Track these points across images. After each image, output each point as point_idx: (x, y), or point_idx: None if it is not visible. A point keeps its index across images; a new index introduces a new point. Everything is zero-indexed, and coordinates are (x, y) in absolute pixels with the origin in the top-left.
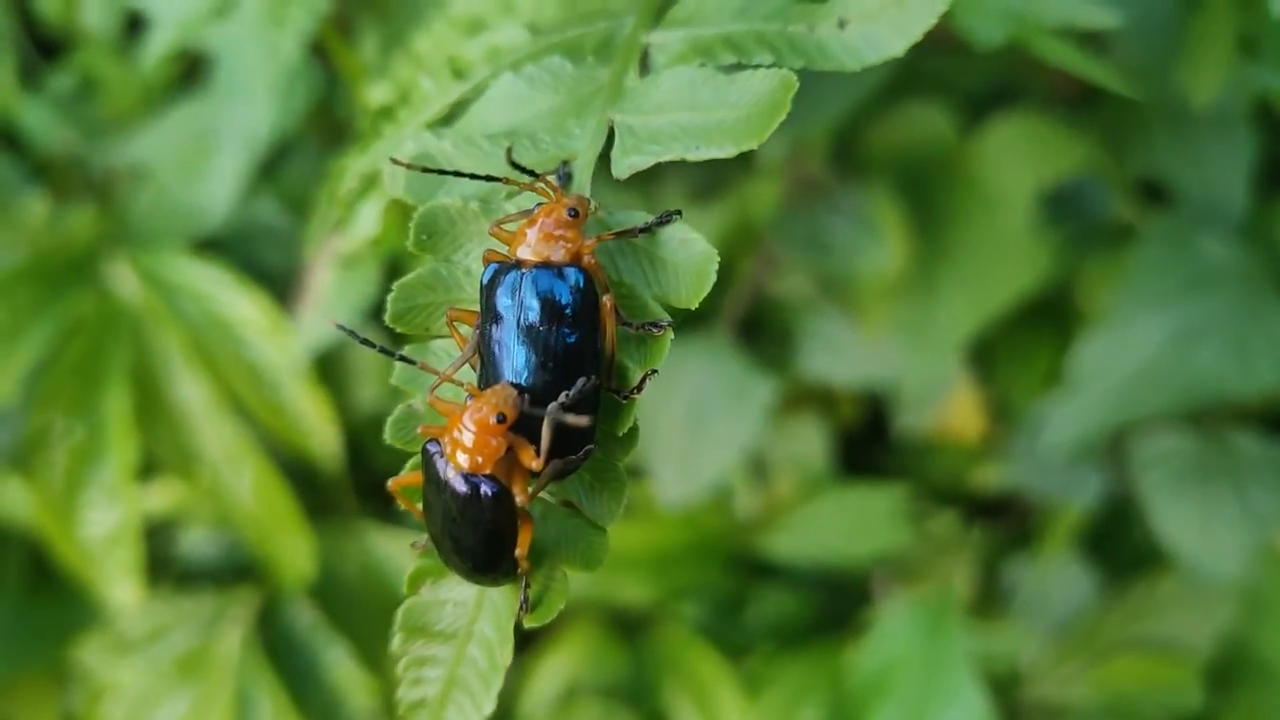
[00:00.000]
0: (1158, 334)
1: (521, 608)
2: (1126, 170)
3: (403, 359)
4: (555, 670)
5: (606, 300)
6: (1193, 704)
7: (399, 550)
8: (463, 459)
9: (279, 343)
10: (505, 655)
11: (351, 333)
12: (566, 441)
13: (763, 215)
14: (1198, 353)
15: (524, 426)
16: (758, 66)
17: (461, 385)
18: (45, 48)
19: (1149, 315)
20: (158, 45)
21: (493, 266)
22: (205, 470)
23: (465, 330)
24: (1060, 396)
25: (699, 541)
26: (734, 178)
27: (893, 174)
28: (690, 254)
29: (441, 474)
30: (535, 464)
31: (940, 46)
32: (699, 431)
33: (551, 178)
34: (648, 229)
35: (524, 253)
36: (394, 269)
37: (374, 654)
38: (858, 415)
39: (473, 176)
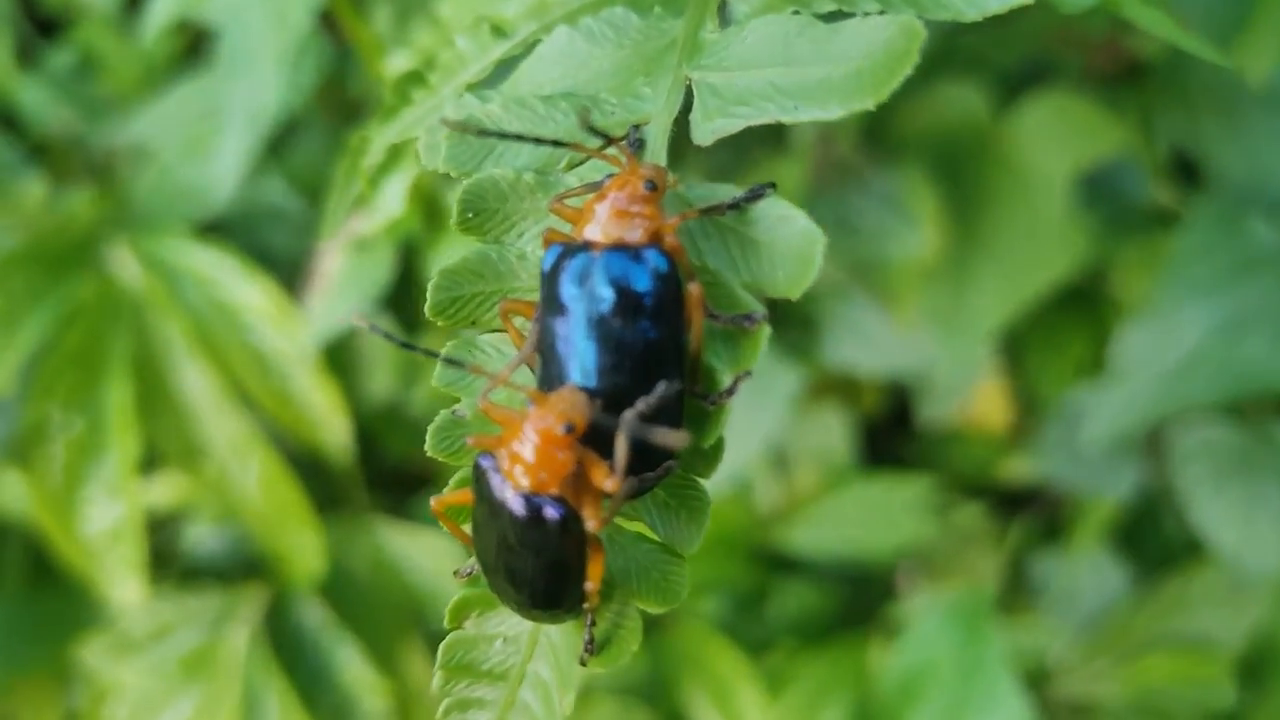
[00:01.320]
0: (1203, 322)
1: (586, 648)
2: (1160, 151)
3: (448, 360)
4: None
5: (693, 289)
6: (1225, 701)
7: (412, 545)
8: (523, 476)
9: (287, 330)
10: (566, 703)
11: (388, 335)
12: (641, 456)
13: (790, 197)
14: (1245, 342)
15: (595, 438)
16: (864, 14)
17: (520, 389)
18: (44, 26)
19: (1193, 303)
20: (158, 17)
21: (556, 249)
22: (210, 463)
23: (522, 324)
24: (1099, 387)
25: (718, 535)
26: (759, 158)
27: (925, 155)
28: (790, 234)
29: (498, 494)
30: (610, 484)
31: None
32: None
33: (623, 145)
34: (737, 205)
35: (593, 232)
36: (409, 253)
37: (387, 654)
38: (881, 405)
39: (523, 139)
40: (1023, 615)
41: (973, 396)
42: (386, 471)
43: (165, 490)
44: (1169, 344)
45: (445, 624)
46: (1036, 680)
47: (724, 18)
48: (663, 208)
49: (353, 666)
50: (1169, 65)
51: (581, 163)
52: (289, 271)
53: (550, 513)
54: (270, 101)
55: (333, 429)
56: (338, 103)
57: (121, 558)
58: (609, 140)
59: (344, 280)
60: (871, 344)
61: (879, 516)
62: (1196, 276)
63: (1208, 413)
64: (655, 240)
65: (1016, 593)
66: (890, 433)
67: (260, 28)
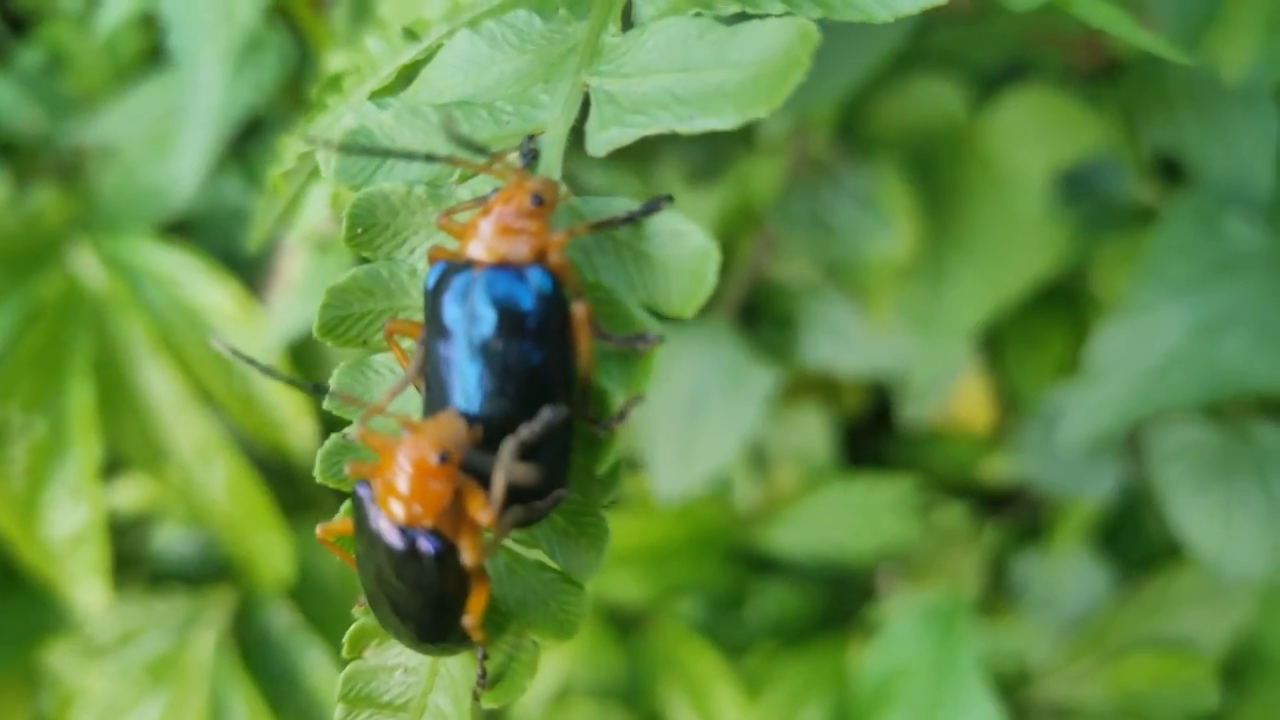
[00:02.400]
0: (1181, 322)
1: (479, 683)
2: (1142, 149)
3: (323, 391)
4: (549, 669)
5: (579, 308)
6: (1208, 703)
7: None
8: (397, 508)
9: (250, 331)
10: None
11: (256, 363)
12: (529, 486)
13: (764, 195)
14: (1224, 342)
15: (477, 464)
16: (766, 16)
17: (395, 416)
18: (16, 24)
19: (1171, 302)
20: (114, 11)
21: (439, 266)
22: (175, 466)
23: (410, 345)
24: (1077, 387)
25: (697, 535)
26: (734, 156)
27: (900, 152)
28: (683, 250)
29: (373, 525)
30: (484, 516)
31: (951, 18)
32: (697, 421)
33: (513, 157)
34: (631, 219)
35: (476, 250)
36: None
37: None
38: (861, 405)
39: (409, 156)
40: (1004, 617)
41: (954, 396)
42: None
43: (132, 494)
44: (1146, 344)
45: (344, 654)
46: (1017, 682)
47: (629, 20)
48: (551, 223)
49: (320, 670)
50: (1147, 63)
51: (475, 176)
52: (252, 272)
53: (425, 546)
54: (218, 98)
55: (297, 431)
56: (301, 101)
57: (85, 561)
58: (490, 155)
59: (305, 280)
60: (849, 343)
61: (859, 517)
62: (1174, 275)
63: (1187, 413)
64: (540, 257)
65: (997, 594)
66: (871, 433)
67: (207, 23)
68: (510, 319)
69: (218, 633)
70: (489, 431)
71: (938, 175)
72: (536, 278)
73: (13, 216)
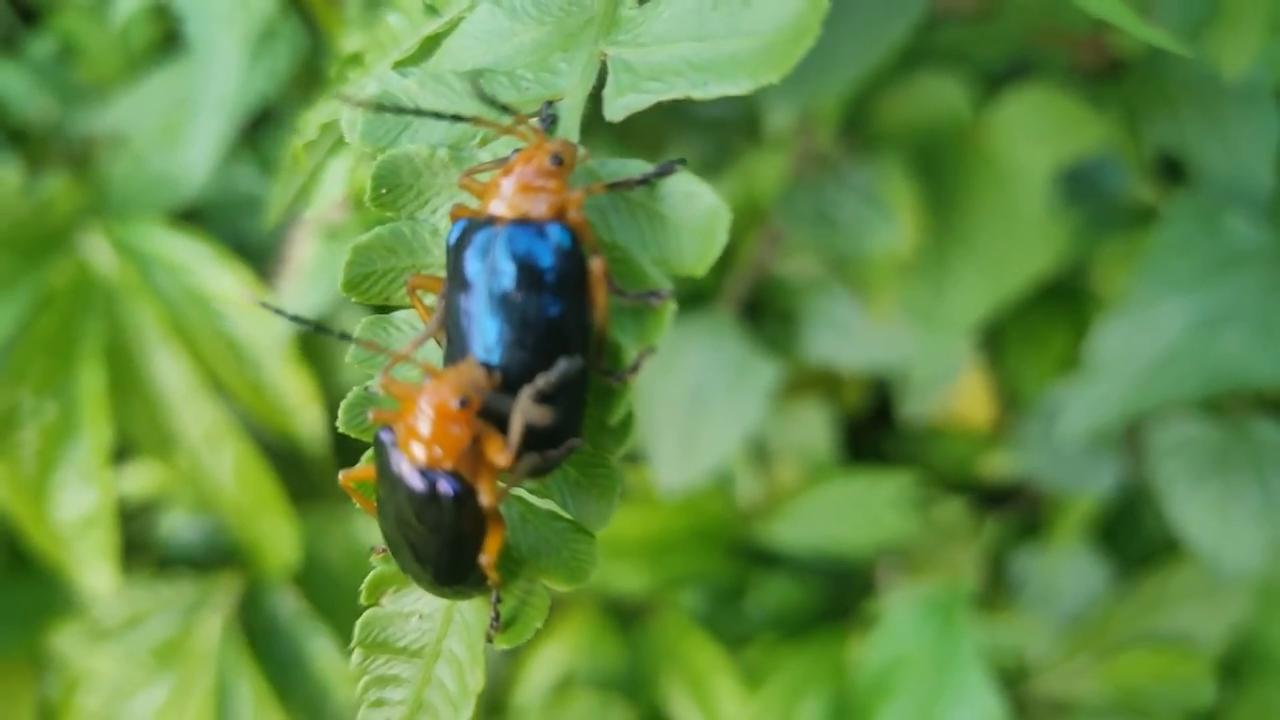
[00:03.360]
0: (1180, 318)
1: (493, 625)
2: (1145, 148)
3: (347, 339)
4: (550, 660)
5: (596, 264)
6: (1205, 699)
7: None
8: (418, 451)
9: (259, 318)
10: (477, 679)
11: (293, 317)
12: (544, 433)
13: (769, 191)
14: (1222, 338)
15: (495, 411)
16: None
17: (420, 365)
18: (27, 15)
19: (1171, 299)
20: (127, 2)
21: (461, 224)
22: (184, 452)
23: (431, 301)
24: (1077, 383)
25: (699, 528)
26: (740, 150)
27: (904, 149)
28: (696, 210)
29: (394, 468)
30: (502, 459)
31: (956, 16)
32: (699, 415)
33: (534, 121)
34: (646, 181)
35: (498, 207)
36: None
37: None
38: (863, 400)
39: (436, 116)
40: (1003, 612)
41: (955, 393)
42: None
43: (141, 479)
44: (1146, 339)
45: (362, 600)
46: (1016, 677)
47: None
48: (570, 183)
49: (326, 656)
50: (1149, 62)
51: (496, 138)
52: (263, 259)
53: (444, 487)
54: (234, 87)
55: (307, 418)
56: (317, 88)
57: (94, 544)
58: (514, 115)
59: (315, 267)
60: (850, 339)
61: (860, 512)
62: (1174, 272)
63: (1185, 409)
64: (559, 215)
65: (997, 589)
66: (872, 429)
67: (223, 10)
68: (530, 273)
69: (224, 617)
70: (507, 380)
71: (941, 172)
72: (556, 234)
73: (24, 204)
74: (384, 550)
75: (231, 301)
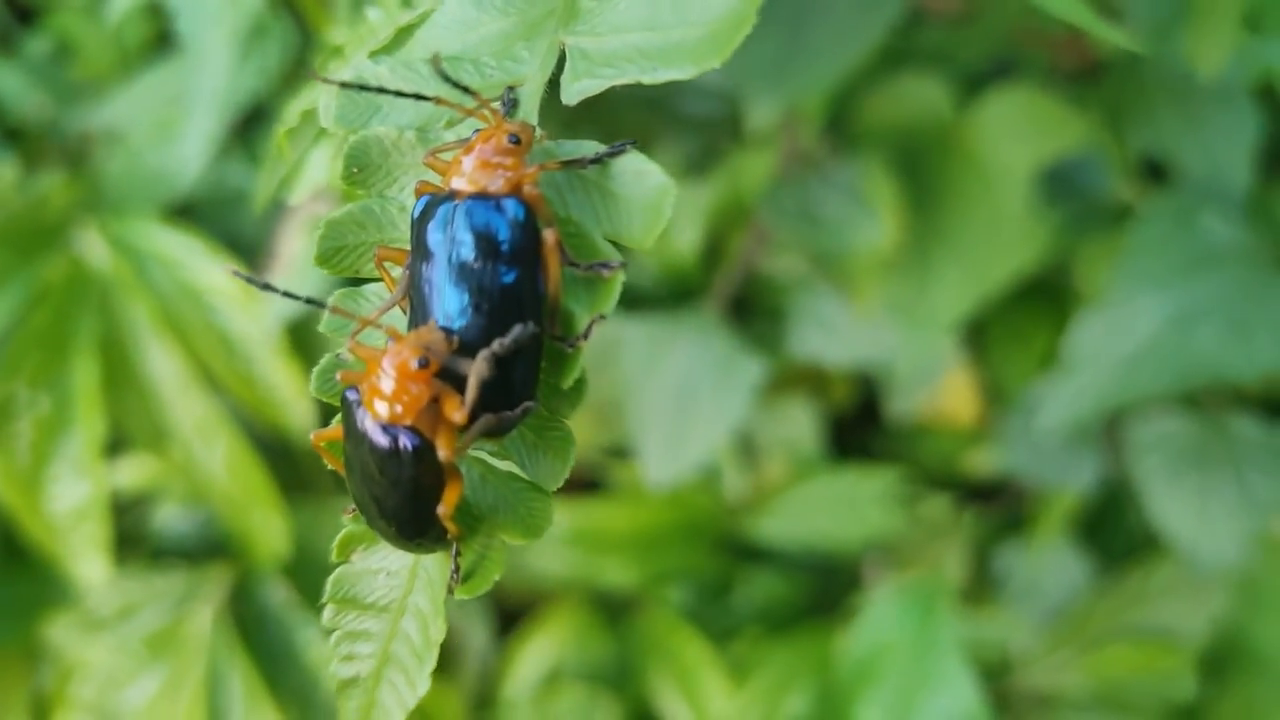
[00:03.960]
0: (1157, 314)
1: (453, 578)
2: (1127, 149)
3: (322, 306)
4: (538, 654)
5: (549, 235)
6: (1186, 693)
7: None
8: (381, 408)
9: (251, 312)
10: (439, 630)
11: (265, 285)
12: (500, 395)
13: (755, 190)
14: (1198, 334)
15: (454, 373)
16: None
17: (383, 329)
18: (23, 14)
19: (1148, 295)
20: (122, 1)
21: (425, 199)
22: (177, 445)
23: (398, 273)
24: (1056, 378)
25: (686, 523)
26: (726, 150)
27: (887, 147)
28: (644, 187)
29: (360, 425)
30: (459, 416)
31: (939, 18)
32: (687, 411)
33: (496, 104)
34: (598, 160)
35: (459, 183)
36: None
37: None
38: (849, 398)
39: (401, 94)
40: (987, 607)
41: (940, 390)
42: None
43: (133, 472)
44: (1123, 335)
45: (333, 558)
46: (1000, 671)
47: None
48: (526, 161)
49: (316, 646)
50: (1127, 63)
51: (460, 122)
52: (255, 254)
53: (405, 442)
54: (224, 83)
55: (298, 412)
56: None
57: (87, 535)
58: (475, 95)
59: (305, 261)
60: (836, 335)
61: (846, 508)
62: (1151, 269)
63: (1164, 405)
64: (516, 190)
65: (981, 585)
66: (859, 426)
67: (212, 9)
68: (487, 244)
69: (215, 608)
70: (465, 344)
71: (924, 171)
72: (512, 207)
73: (20, 200)
74: (354, 511)
75: (223, 295)
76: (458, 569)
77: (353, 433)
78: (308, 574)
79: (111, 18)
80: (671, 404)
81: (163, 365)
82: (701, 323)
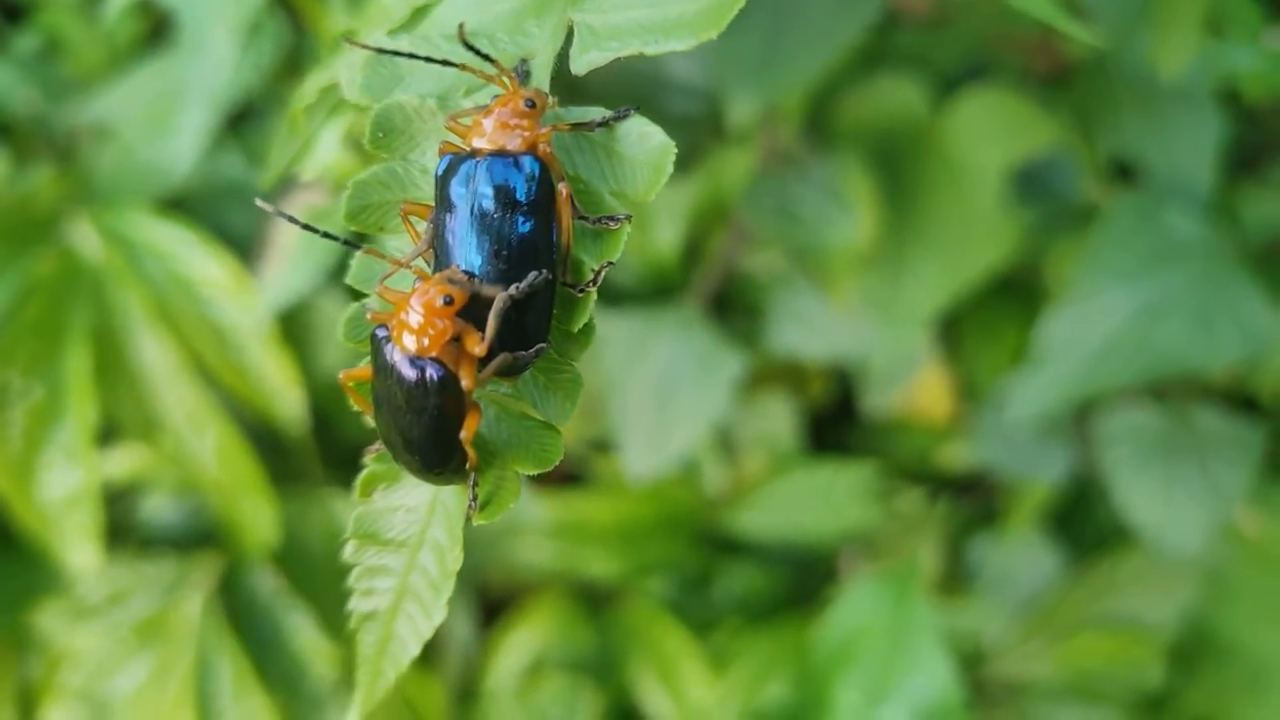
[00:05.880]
0: (1123, 308)
1: (471, 506)
2: (1097, 150)
3: (356, 246)
4: (522, 644)
5: (562, 189)
6: (1154, 681)
7: None
8: (409, 341)
9: (243, 303)
10: (456, 559)
11: (300, 222)
12: (516, 337)
13: (735, 188)
14: (1162, 327)
15: (474, 315)
16: None
17: (412, 270)
18: (11, 13)
19: (1114, 289)
20: None
21: (448, 157)
22: (167, 434)
23: (421, 227)
24: (1025, 371)
25: (667, 516)
26: (708, 149)
27: (863, 146)
28: (647, 148)
29: (388, 358)
30: (479, 350)
31: (915, 21)
32: (667, 405)
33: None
34: (605, 123)
35: (479, 142)
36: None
37: (336, 622)
38: (827, 394)
39: (427, 60)
40: (961, 598)
41: (915, 387)
42: (341, 447)
43: (124, 462)
44: (1090, 329)
45: (355, 497)
46: (973, 661)
47: None
48: (540, 123)
49: (304, 633)
50: (1094, 65)
51: (477, 90)
52: (247, 246)
53: (431, 373)
54: (225, 77)
55: (288, 401)
56: (297, 84)
57: (78, 523)
58: (494, 62)
59: (298, 251)
60: (814, 330)
61: (823, 501)
62: (1117, 264)
63: (1131, 398)
64: (531, 149)
65: (955, 577)
66: (835, 421)
67: (214, 4)
68: (506, 196)
69: (205, 595)
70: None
71: (899, 169)
72: (528, 164)
73: (11, 193)
74: (376, 450)
75: (216, 285)
76: (475, 497)
77: (382, 367)
78: (297, 563)
79: (108, 15)
80: (653, 399)
81: (154, 355)
82: (682, 319)
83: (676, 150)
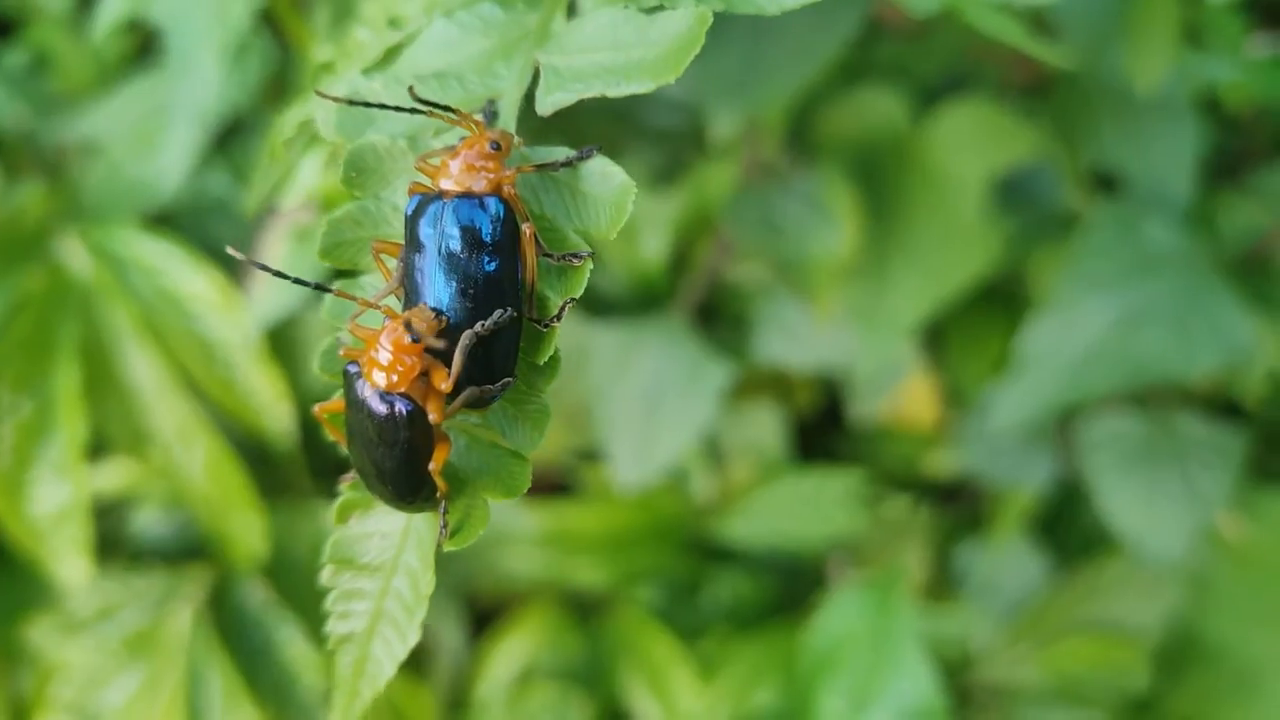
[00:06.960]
0: (1103, 316)
1: (441, 533)
2: (1078, 160)
3: (327, 290)
4: (511, 653)
5: (526, 229)
6: (1140, 685)
7: None
8: (379, 377)
9: (231, 318)
10: (428, 584)
11: (275, 272)
12: (484, 372)
13: (718, 200)
14: (1142, 335)
15: (442, 353)
16: (677, 7)
17: (381, 308)
18: (0, 28)
19: (1095, 298)
20: (107, 15)
21: (417, 198)
22: (157, 448)
23: (392, 264)
24: (1008, 379)
25: (655, 525)
26: (691, 162)
27: (845, 158)
28: (609, 187)
29: (359, 394)
30: (446, 385)
31: (896, 33)
32: (655, 415)
33: (478, 116)
34: (569, 163)
35: (446, 184)
36: None
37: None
38: (813, 402)
39: (396, 109)
40: (947, 604)
41: (901, 395)
42: (328, 460)
43: (113, 476)
44: (1071, 337)
45: (332, 523)
46: (960, 666)
47: (573, 11)
48: (505, 164)
49: (293, 645)
50: (1072, 77)
51: (446, 131)
52: (234, 262)
53: (400, 408)
54: (212, 97)
55: (276, 415)
56: (283, 101)
57: (68, 538)
58: (453, 110)
59: (286, 267)
60: (798, 340)
61: (810, 509)
62: (1097, 274)
63: (1113, 405)
64: (497, 190)
65: (941, 583)
66: (822, 430)
67: (202, 26)
68: (472, 237)
69: (194, 608)
70: (453, 325)
71: (881, 180)
72: (493, 205)
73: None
74: (352, 479)
75: (204, 301)
76: (446, 524)
77: (354, 401)
78: (286, 575)
79: (96, 33)
80: (640, 408)
81: (143, 370)
82: (669, 329)
83: (636, 190)
